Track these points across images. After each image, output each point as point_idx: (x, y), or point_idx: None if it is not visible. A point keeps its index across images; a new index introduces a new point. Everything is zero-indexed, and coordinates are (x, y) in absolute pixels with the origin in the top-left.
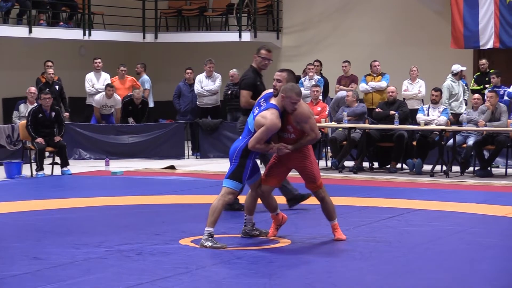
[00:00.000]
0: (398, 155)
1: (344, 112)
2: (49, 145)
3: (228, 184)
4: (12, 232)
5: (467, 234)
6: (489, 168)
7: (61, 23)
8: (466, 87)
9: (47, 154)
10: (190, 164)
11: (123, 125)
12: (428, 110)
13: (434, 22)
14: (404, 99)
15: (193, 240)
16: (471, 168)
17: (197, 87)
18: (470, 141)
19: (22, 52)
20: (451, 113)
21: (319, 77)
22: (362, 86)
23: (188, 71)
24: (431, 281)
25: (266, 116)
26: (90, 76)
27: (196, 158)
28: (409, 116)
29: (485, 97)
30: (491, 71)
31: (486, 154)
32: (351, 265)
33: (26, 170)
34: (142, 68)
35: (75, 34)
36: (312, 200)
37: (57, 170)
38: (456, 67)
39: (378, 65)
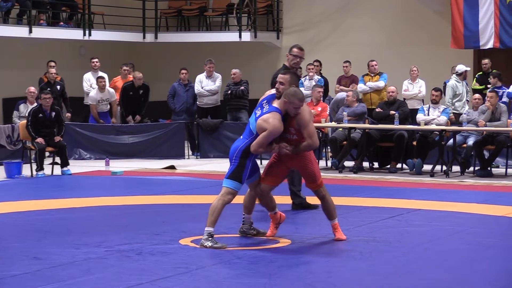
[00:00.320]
0: (398, 155)
1: (344, 112)
2: (49, 145)
3: (228, 184)
4: (12, 232)
5: (467, 234)
6: (489, 168)
7: (61, 23)
8: (467, 88)
9: (47, 154)
10: (190, 164)
11: (123, 125)
12: (428, 110)
13: (434, 22)
14: (404, 99)
15: (193, 240)
16: (471, 168)
17: (197, 87)
18: (470, 141)
19: (22, 52)
20: (454, 113)
21: (319, 77)
22: (360, 86)
23: (183, 71)
24: (431, 281)
25: (268, 120)
26: (88, 76)
27: (196, 158)
28: (409, 116)
29: (486, 97)
30: (493, 71)
31: (486, 154)
32: (351, 265)
33: (26, 170)
34: (131, 68)
35: (75, 34)
36: (313, 201)
37: (57, 170)
38: (461, 67)
39: (376, 65)
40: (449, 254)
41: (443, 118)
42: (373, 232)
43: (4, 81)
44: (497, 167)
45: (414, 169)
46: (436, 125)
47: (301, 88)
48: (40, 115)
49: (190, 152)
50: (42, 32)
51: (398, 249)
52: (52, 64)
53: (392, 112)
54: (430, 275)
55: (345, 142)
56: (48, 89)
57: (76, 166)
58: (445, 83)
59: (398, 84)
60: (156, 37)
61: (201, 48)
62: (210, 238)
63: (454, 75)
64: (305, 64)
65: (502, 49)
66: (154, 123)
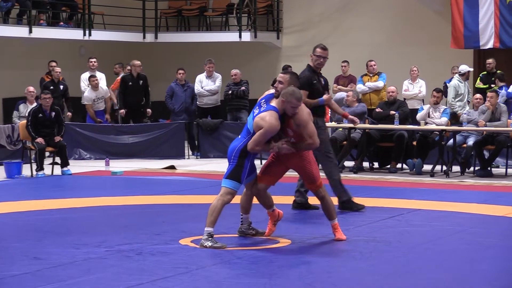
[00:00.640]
0: (398, 155)
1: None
2: (49, 145)
3: (226, 184)
4: (12, 232)
5: (467, 234)
6: (489, 168)
7: (61, 23)
8: (469, 88)
9: (47, 154)
10: (190, 164)
11: (123, 125)
12: (428, 111)
13: (434, 22)
14: (404, 99)
15: (193, 240)
16: (471, 168)
17: (197, 87)
18: (470, 141)
19: (22, 52)
20: (455, 112)
21: None
22: (359, 87)
23: (180, 71)
24: (431, 281)
25: (265, 118)
26: (86, 76)
27: (196, 158)
28: (409, 116)
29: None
30: (498, 71)
31: (486, 154)
32: (351, 265)
33: (26, 170)
34: (120, 68)
35: (75, 34)
36: (313, 201)
37: (57, 170)
38: (464, 68)
39: (374, 65)
40: (449, 254)
41: (444, 119)
42: (373, 232)
43: (4, 81)
44: (497, 167)
45: (414, 169)
46: (436, 125)
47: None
48: (40, 115)
49: (190, 152)
50: (42, 32)
51: (398, 249)
52: (54, 64)
53: (392, 112)
54: (430, 275)
55: (345, 142)
56: (52, 87)
57: (76, 166)
58: (445, 83)
59: (398, 84)
60: (156, 37)
61: (201, 48)
62: (210, 238)
63: (456, 75)
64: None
65: (502, 49)
66: (154, 123)
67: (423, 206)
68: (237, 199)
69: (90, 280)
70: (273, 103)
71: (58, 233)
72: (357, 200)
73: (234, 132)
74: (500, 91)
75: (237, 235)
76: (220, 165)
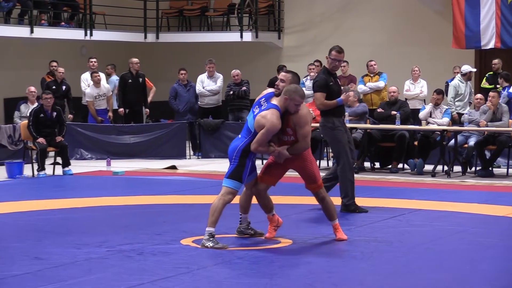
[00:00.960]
0: (399, 155)
1: (345, 112)
2: (51, 145)
3: (228, 184)
4: (13, 232)
5: (468, 234)
6: (490, 168)
7: (63, 23)
8: (471, 89)
9: (51, 154)
10: (191, 164)
11: (124, 125)
12: (430, 111)
13: (435, 22)
14: (406, 99)
15: (194, 240)
16: (472, 168)
17: (198, 87)
18: (472, 141)
19: (23, 52)
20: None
21: None
22: (360, 87)
23: (182, 71)
24: (431, 281)
25: (266, 116)
26: (86, 76)
27: (198, 158)
28: (411, 116)
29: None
30: (503, 72)
31: (488, 154)
32: (352, 265)
33: (27, 170)
34: (112, 69)
35: (77, 34)
36: (312, 200)
37: (59, 170)
38: (466, 68)
39: (375, 65)
40: (449, 254)
41: (445, 120)
42: (374, 232)
43: (6, 81)
44: (499, 167)
45: (415, 169)
46: (438, 125)
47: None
48: (42, 115)
49: (192, 152)
50: (43, 32)
51: (399, 249)
52: (55, 64)
53: (393, 112)
54: (431, 275)
55: None
56: (54, 87)
57: (77, 166)
58: (447, 82)
59: (399, 84)
60: (157, 37)
61: (203, 48)
62: (211, 239)
63: (458, 75)
64: (306, 64)
65: (503, 49)
66: (155, 123)
67: (424, 206)
68: (237, 199)
69: (91, 280)
70: (274, 101)
71: (59, 233)
72: (358, 200)
73: (235, 132)
74: (502, 91)
75: (237, 235)
76: (221, 165)
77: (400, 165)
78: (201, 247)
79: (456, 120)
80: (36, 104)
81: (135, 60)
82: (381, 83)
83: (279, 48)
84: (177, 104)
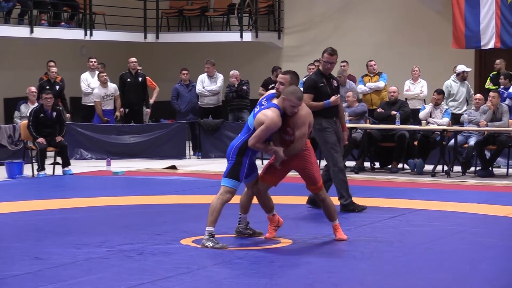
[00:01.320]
0: (399, 155)
1: (346, 112)
2: (51, 145)
3: (225, 183)
4: (13, 232)
5: (468, 234)
6: (490, 168)
7: (63, 23)
8: (468, 88)
9: (53, 154)
10: (191, 164)
11: (124, 125)
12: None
13: (435, 22)
14: (406, 99)
15: (194, 240)
16: (472, 168)
17: (198, 87)
18: (472, 141)
19: (23, 52)
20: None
21: None
22: (360, 87)
23: (184, 71)
24: (431, 281)
25: (267, 114)
26: (86, 76)
27: (198, 158)
28: (411, 116)
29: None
30: (506, 72)
31: (488, 154)
32: (352, 265)
33: (27, 170)
34: (102, 68)
35: (77, 34)
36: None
37: (59, 170)
38: (460, 68)
39: (375, 65)
40: (449, 254)
41: (445, 119)
42: (374, 232)
43: (6, 81)
44: (499, 167)
45: (415, 169)
46: (438, 125)
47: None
48: (41, 115)
49: (192, 152)
50: (43, 32)
51: (399, 249)
52: (52, 64)
53: (393, 112)
54: (431, 275)
55: (346, 142)
56: (47, 87)
57: (77, 166)
58: None
59: (399, 84)
60: (157, 37)
61: (203, 48)
62: (211, 238)
63: (453, 75)
64: (306, 64)
65: (503, 49)
66: (155, 123)
67: (424, 206)
68: (236, 199)
69: (91, 280)
70: (275, 101)
71: (59, 233)
72: (358, 200)
73: (236, 132)
74: (503, 92)
75: (237, 235)
76: (221, 165)
77: (400, 165)
78: (201, 247)
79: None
80: (36, 104)
81: (132, 59)
82: (381, 83)
83: (279, 48)
84: (178, 104)
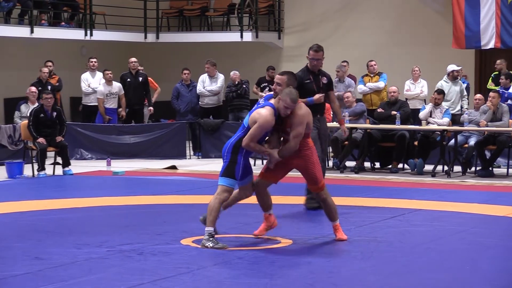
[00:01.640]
0: (399, 155)
1: (346, 112)
2: (51, 145)
3: (222, 182)
4: (13, 232)
5: (468, 234)
6: (490, 168)
7: (63, 23)
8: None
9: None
10: (191, 164)
11: (124, 125)
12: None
13: (436, 22)
14: (406, 99)
15: (195, 240)
16: (472, 168)
17: (199, 87)
18: (472, 141)
19: (23, 52)
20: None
21: None
22: (360, 87)
23: (185, 71)
24: (431, 281)
25: (260, 112)
26: (86, 76)
27: (198, 158)
28: (411, 116)
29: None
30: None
31: (488, 154)
32: (352, 265)
33: (27, 170)
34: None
35: (77, 34)
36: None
37: (59, 170)
38: (450, 67)
39: (375, 65)
40: (449, 254)
41: (446, 119)
42: (375, 232)
43: (6, 81)
44: (499, 167)
45: (415, 169)
46: (438, 125)
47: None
48: (42, 115)
49: (192, 152)
50: (43, 32)
51: (399, 249)
52: (49, 64)
53: (393, 112)
54: (431, 275)
55: (346, 142)
56: (39, 88)
57: (77, 166)
58: None
59: (399, 84)
60: (157, 37)
61: (203, 48)
62: (211, 238)
63: (445, 75)
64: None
65: (503, 49)
66: (155, 123)
67: (424, 206)
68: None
69: (92, 280)
70: (272, 101)
71: (59, 233)
72: (358, 200)
73: (235, 132)
74: (503, 92)
75: (238, 235)
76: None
77: (400, 165)
78: (201, 247)
79: None
80: (36, 104)
81: (133, 59)
82: (381, 84)
83: (279, 48)
84: (178, 104)
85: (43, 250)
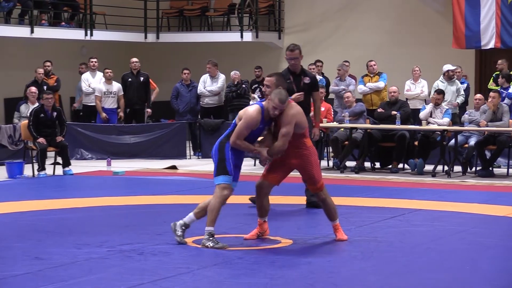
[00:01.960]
0: (399, 155)
1: (346, 113)
2: (51, 145)
3: (218, 181)
4: (13, 232)
5: (468, 234)
6: (490, 168)
7: (63, 23)
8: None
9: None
10: (191, 164)
11: (124, 125)
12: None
13: (436, 22)
14: (406, 99)
15: (195, 240)
16: (473, 168)
17: (200, 87)
18: (472, 141)
19: (23, 52)
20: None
21: (321, 77)
22: (360, 88)
23: (185, 71)
24: (431, 281)
25: (247, 110)
26: (87, 76)
27: (198, 158)
28: (411, 116)
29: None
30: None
31: (488, 154)
32: (353, 265)
33: (27, 170)
34: (86, 68)
35: (77, 34)
36: None
37: (59, 170)
38: (445, 67)
39: (374, 65)
40: (450, 254)
41: (446, 120)
42: (375, 232)
43: (6, 81)
44: (499, 167)
45: (415, 169)
46: (438, 125)
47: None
48: (42, 115)
49: (192, 152)
50: (43, 32)
51: (400, 249)
52: (47, 64)
53: (393, 112)
54: (431, 275)
55: (346, 142)
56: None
57: (77, 166)
58: None
59: (400, 84)
60: (157, 37)
61: (203, 48)
62: (211, 238)
63: (442, 76)
64: (307, 64)
65: (503, 49)
66: (155, 123)
67: (424, 206)
68: (236, 198)
69: (92, 280)
70: (264, 102)
71: (59, 233)
72: (359, 200)
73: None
74: (503, 92)
75: (237, 235)
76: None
77: (401, 165)
78: (201, 247)
79: None
80: (36, 104)
81: (134, 59)
82: (381, 84)
83: (279, 48)
84: (177, 104)
85: (43, 250)
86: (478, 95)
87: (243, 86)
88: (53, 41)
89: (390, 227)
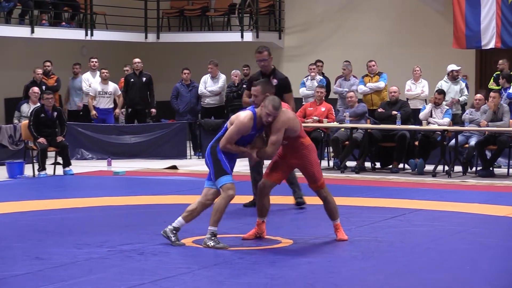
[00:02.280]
0: (400, 155)
1: (346, 113)
2: (51, 145)
3: (219, 183)
4: (14, 232)
5: (468, 234)
6: (491, 168)
7: (63, 23)
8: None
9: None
10: (192, 164)
11: (125, 125)
12: (431, 110)
13: (436, 22)
14: (407, 99)
15: (195, 240)
16: (473, 168)
17: (200, 88)
18: (472, 141)
19: (24, 52)
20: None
21: (321, 77)
22: (361, 88)
23: (185, 71)
24: (432, 281)
25: (238, 115)
26: (87, 76)
27: (198, 158)
28: (411, 116)
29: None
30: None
31: (488, 154)
32: (353, 265)
33: (28, 170)
34: (80, 69)
35: (77, 34)
36: (314, 200)
37: (59, 170)
38: (449, 67)
39: (374, 65)
40: (450, 254)
41: (446, 120)
42: (375, 232)
43: (6, 81)
44: (499, 167)
45: (416, 169)
46: (438, 125)
47: (303, 88)
48: (42, 115)
49: (192, 152)
50: (44, 32)
51: (400, 249)
52: (47, 64)
53: (394, 112)
54: (431, 275)
55: (347, 142)
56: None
57: (78, 166)
58: None
59: (400, 84)
60: (158, 37)
61: (203, 48)
62: (213, 238)
63: (446, 76)
64: (307, 64)
65: (503, 49)
66: (156, 123)
67: (424, 206)
68: (239, 199)
69: (92, 280)
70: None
71: (59, 233)
72: (359, 200)
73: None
74: (503, 92)
75: (237, 235)
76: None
77: (401, 165)
78: (203, 246)
79: None
80: (37, 104)
81: (136, 60)
82: (381, 84)
83: (279, 48)
84: (177, 103)
85: (43, 250)
86: (478, 95)
87: (244, 86)
88: (53, 41)
89: (391, 227)
